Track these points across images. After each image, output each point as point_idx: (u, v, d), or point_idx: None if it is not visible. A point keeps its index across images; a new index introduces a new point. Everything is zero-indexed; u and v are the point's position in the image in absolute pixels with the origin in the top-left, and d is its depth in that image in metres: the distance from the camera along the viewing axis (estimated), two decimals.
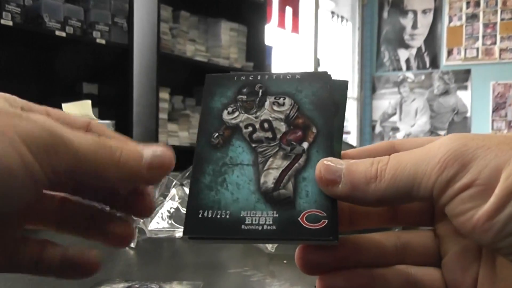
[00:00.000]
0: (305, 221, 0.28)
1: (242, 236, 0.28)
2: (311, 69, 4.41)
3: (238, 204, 0.29)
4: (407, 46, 5.15)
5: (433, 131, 4.99)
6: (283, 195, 0.29)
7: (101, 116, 1.49)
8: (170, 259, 0.69)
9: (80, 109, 0.86)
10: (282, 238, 0.28)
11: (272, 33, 4.06)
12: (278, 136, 0.31)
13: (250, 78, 0.34)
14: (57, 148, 0.25)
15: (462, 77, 4.90)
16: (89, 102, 1.14)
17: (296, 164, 0.30)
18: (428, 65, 5.05)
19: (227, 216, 0.29)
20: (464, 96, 4.90)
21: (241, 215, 0.29)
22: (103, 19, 2.51)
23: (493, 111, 4.78)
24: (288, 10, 4.46)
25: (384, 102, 5.23)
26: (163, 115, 2.98)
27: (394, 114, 5.19)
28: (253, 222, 0.28)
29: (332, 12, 5.08)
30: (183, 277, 0.55)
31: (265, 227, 0.28)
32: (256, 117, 0.32)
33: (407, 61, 5.14)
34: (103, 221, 0.31)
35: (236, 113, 0.33)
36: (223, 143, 0.31)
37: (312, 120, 0.32)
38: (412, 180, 0.26)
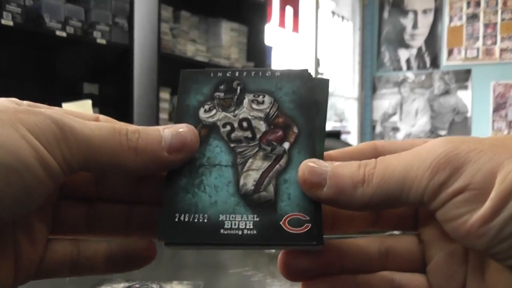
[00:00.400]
0: (288, 225, 0.27)
1: (221, 241, 0.27)
2: (311, 69, 4.41)
3: (217, 207, 0.27)
4: (407, 46, 5.15)
5: (433, 131, 4.99)
6: (264, 198, 0.28)
7: None
8: (170, 259, 0.69)
9: (80, 109, 0.86)
10: (264, 243, 0.27)
11: (273, 33, 4.06)
12: (258, 135, 0.30)
13: (228, 75, 0.32)
14: (67, 139, 0.24)
15: (463, 77, 4.89)
16: (89, 101, 1.14)
17: (277, 166, 0.29)
18: (428, 65, 5.05)
19: (205, 220, 0.27)
20: (465, 96, 4.89)
21: (220, 219, 0.27)
22: (104, 19, 2.51)
23: (493, 111, 4.78)
24: (289, 10, 4.46)
25: (385, 102, 5.23)
26: (163, 115, 2.98)
27: (395, 114, 5.19)
28: (233, 227, 0.27)
29: (333, 12, 5.08)
30: (183, 277, 0.55)
31: (245, 231, 0.27)
32: (234, 116, 0.31)
33: (408, 61, 5.14)
34: (143, 216, 0.30)
35: (213, 111, 0.31)
36: (200, 143, 0.29)
37: (293, 119, 0.30)
38: (401, 185, 0.25)
